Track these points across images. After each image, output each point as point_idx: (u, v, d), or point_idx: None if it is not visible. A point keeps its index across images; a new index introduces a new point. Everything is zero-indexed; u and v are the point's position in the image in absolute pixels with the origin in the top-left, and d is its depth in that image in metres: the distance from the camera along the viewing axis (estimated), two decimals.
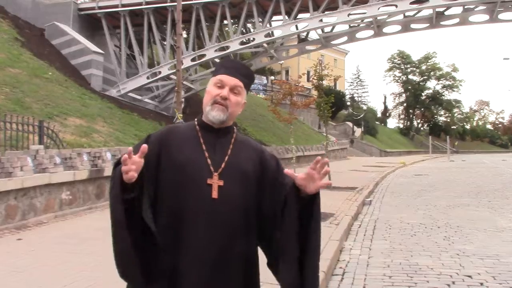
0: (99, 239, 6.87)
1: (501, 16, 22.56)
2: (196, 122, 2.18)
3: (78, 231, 7.55)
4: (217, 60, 24.38)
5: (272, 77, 55.65)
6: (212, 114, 2.08)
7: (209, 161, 2.05)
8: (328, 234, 7.46)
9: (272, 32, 24.10)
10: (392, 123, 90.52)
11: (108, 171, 10.22)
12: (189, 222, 1.99)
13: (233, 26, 26.48)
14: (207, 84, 2.19)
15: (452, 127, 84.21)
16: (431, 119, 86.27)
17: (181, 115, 9.30)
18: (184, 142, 2.10)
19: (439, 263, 6.24)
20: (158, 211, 2.04)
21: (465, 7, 22.59)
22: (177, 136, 2.13)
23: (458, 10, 23.17)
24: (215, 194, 2.01)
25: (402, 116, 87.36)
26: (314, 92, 19.61)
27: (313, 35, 28.06)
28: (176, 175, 2.03)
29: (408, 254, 6.78)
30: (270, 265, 2.16)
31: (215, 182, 2.02)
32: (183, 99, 24.96)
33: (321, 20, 22.76)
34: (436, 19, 23.21)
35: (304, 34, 25.69)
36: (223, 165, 2.06)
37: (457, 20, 23.58)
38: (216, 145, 2.11)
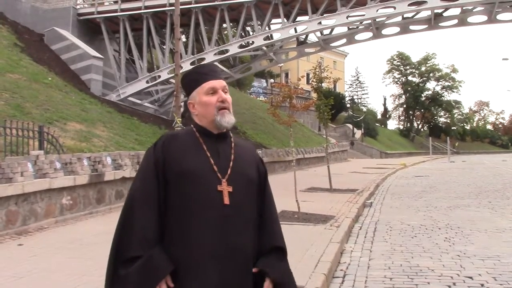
0: (100, 244, 6.87)
1: (500, 16, 22.60)
2: (194, 129, 2.20)
3: (79, 236, 7.55)
4: (216, 63, 24.41)
5: (272, 80, 55.71)
6: (226, 120, 2.14)
7: (215, 167, 2.09)
8: (328, 237, 7.47)
9: (271, 35, 24.13)
10: (392, 124, 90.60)
11: (108, 175, 10.24)
12: (203, 229, 2.02)
13: (232, 30, 26.53)
14: (194, 96, 2.20)
15: (452, 128, 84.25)
16: (431, 120, 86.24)
17: (180, 119, 9.28)
18: (187, 150, 2.13)
19: (440, 265, 6.23)
20: (168, 220, 2.06)
21: (464, 8, 22.62)
22: (179, 144, 2.15)
23: (456, 11, 23.21)
24: (226, 200, 2.05)
25: (402, 118, 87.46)
26: (314, 95, 19.64)
27: (312, 38, 28.13)
28: (185, 185, 2.05)
29: (408, 255, 6.78)
30: None
31: (225, 188, 2.06)
32: (182, 103, 25.03)
33: (320, 23, 22.80)
34: (435, 21, 23.26)
35: (303, 36, 25.74)
36: (229, 171, 2.10)
37: (455, 21, 23.63)
38: (218, 150, 2.15)
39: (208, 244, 2.00)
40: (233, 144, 2.20)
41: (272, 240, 2.19)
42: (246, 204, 2.10)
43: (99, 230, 7.92)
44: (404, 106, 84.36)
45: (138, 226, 2.03)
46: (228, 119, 2.14)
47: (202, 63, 23.47)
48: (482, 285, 5.36)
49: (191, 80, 2.23)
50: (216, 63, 23.80)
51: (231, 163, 2.12)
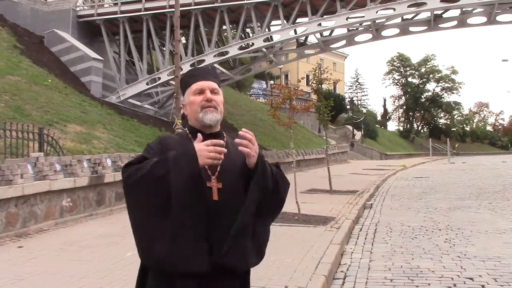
0: (100, 246, 6.88)
1: (499, 18, 22.61)
2: (187, 131, 2.29)
3: (79, 238, 7.54)
4: (216, 65, 24.42)
5: (272, 82, 55.72)
6: (208, 117, 2.20)
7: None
8: (329, 238, 7.47)
9: (271, 36, 24.13)
10: (392, 126, 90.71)
11: (108, 177, 10.23)
12: (194, 224, 2.05)
13: (232, 31, 26.52)
14: (185, 98, 2.30)
15: (452, 129, 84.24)
16: (431, 121, 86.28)
17: (180, 121, 9.28)
18: (179, 149, 2.15)
19: (440, 266, 6.23)
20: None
21: (463, 9, 22.64)
22: (171, 144, 2.21)
23: (456, 12, 23.22)
24: (215, 196, 2.10)
25: (402, 119, 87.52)
26: (314, 96, 19.65)
27: (312, 39, 28.15)
28: (176, 182, 2.06)
29: (409, 257, 6.78)
30: None
31: (214, 185, 2.12)
32: (182, 105, 24.97)
33: (319, 24, 22.79)
34: (434, 22, 23.26)
35: (303, 38, 25.73)
36: (219, 168, 2.14)
37: (455, 22, 23.64)
38: None
39: (198, 240, 2.03)
40: (225, 143, 2.22)
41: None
42: (236, 200, 2.11)
43: (99, 232, 7.92)
44: (404, 107, 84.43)
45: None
46: (211, 117, 2.19)
47: (201, 65, 23.51)
48: (483, 286, 5.36)
49: (183, 82, 2.33)
50: (215, 64, 23.87)
51: (221, 160, 2.13)
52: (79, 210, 9.51)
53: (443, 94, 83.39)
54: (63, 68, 22.49)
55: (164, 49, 24.74)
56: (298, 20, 23.81)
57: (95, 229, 8.23)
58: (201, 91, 2.22)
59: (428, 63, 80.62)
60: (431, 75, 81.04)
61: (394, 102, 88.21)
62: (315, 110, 15.88)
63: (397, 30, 24.69)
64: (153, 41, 24.44)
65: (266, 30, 23.91)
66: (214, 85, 2.25)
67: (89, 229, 8.40)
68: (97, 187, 10.05)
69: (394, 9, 21.42)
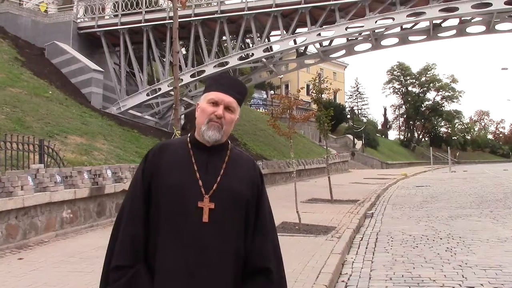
0: (101, 257, 6.82)
1: (498, 26, 22.70)
2: (188, 139, 2.13)
3: (80, 250, 7.53)
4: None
5: (272, 92, 55.88)
6: (208, 134, 2.04)
7: (200, 182, 2.01)
8: (329, 248, 7.45)
9: (271, 47, 24.23)
10: (393, 135, 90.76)
11: (108, 188, 10.23)
12: (179, 245, 1.95)
13: (232, 42, 26.63)
14: (202, 99, 2.13)
15: (453, 138, 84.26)
16: (432, 130, 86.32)
17: (179, 131, 9.29)
18: (175, 162, 2.06)
19: (442, 275, 6.21)
20: (151, 233, 2.02)
21: (462, 18, 22.73)
22: (169, 155, 2.08)
23: (455, 22, 23.34)
24: (205, 218, 1.96)
25: (402, 128, 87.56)
26: (314, 106, 19.65)
27: (312, 49, 28.25)
28: (166, 198, 1.99)
29: (410, 266, 6.76)
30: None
31: (206, 205, 1.98)
32: (182, 116, 25.05)
33: (319, 34, 22.89)
34: (433, 31, 23.35)
35: (303, 48, 25.84)
36: (214, 187, 2.01)
37: (454, 31, 23.73)
38: (208, 164, 2.06)
39: (181, 262, 1.94)
40: (227, 158, 2.10)
41: (259, 261, 2.06)
42: (228, 222, 2.00)
43: (99, 243, 7.89)
44: (405, 116, 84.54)
45: (123, 238, 2.04)
46: (212, 134, 2.04)
47: (201, 76, 23.56)
48: None
49: (207, 83, 2.19)
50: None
51: (219, 178, 2.03)
52: (80, 221, 9.50)
53: (443, 103, 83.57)
54: (63, 79, 22.57)
55: (164, 60, 24.85)
56: (298, 30, 23.92)
57: (95, 241, 8.21)
58: (215, 103, 2.06)
59: (428, 72, 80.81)
60: (431, 84, 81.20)
61: (394, 111, 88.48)
62: (315, 120, 15.91)
63: (396, 40, 24.79)
64: (153, 52, 24.55)
65: (266, 40, 24.01)
66: (232, 101, 2.07)
67: (90, 240, 8.38)
68: (97, 198, 10.04)
69: (393, 19, 21.54)
